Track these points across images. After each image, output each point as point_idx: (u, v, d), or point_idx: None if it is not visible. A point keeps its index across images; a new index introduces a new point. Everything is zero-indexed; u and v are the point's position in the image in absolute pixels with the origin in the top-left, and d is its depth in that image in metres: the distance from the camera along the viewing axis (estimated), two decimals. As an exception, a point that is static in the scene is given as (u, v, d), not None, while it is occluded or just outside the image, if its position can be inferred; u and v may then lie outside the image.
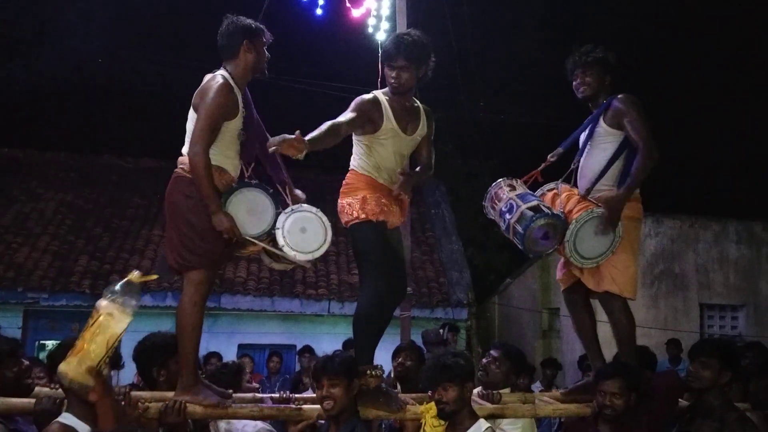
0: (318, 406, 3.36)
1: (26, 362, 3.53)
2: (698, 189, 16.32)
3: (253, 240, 3.49)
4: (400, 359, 4.71)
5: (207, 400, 3.34)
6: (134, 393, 3.34)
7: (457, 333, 9.59)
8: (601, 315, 4.02)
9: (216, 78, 3.43)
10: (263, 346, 10.71)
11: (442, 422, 3.34)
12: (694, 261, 11.18)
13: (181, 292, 3.47)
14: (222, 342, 9.80)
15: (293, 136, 3.13)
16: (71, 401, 2.88)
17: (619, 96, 3.86)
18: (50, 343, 10.12)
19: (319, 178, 11.54)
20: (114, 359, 2.97)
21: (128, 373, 5.29)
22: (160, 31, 17.93)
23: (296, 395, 3.92)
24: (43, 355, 8.66)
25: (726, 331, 11.21)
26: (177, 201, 3.43)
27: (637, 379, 3.54)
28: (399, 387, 4.56)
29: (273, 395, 3.90)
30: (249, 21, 3.58)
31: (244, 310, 10.83)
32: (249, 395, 3.89)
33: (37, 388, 3.49)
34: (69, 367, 2.75)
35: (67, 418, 2.86)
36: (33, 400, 3.21)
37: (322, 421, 3.51)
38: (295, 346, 10.12)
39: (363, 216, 3.60)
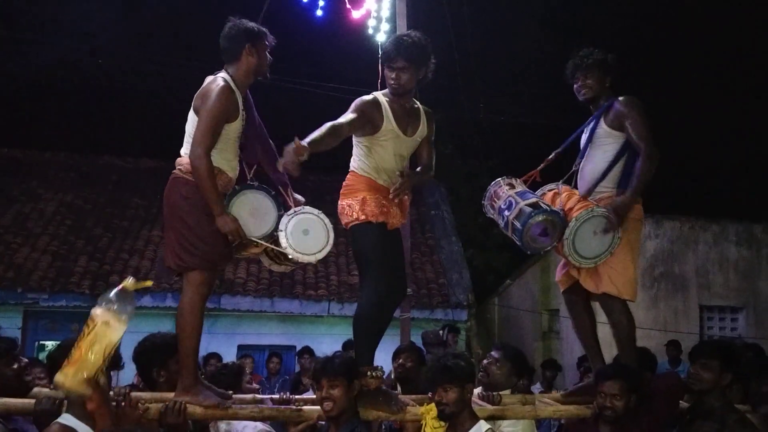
0: (318, 407, 3.36)
1: (25, 360, 3.53)
2: (698, 190, 16.32)
3: (256, 242, 3.49)
4: (400, 360, 4.71)
5: (207, 400, 3.34)
6: (134, 394, 3.33)
7: (457, 334, 9.58)
8: (600, 316, 4.01)
9: (217, 80, 3.43)
10: (263, 346, 10.71)
11: (443, 423, 3.34)
12: (693, 262, 11.19)
13: (181, 293, 3.47)
14: (222, 343, 9.80)
15: (293, 145, 3.14)
16: (71, 402, 2.88)
17: (621, 98, 3.87)
18: (50, 344, 10.12)
19: (319, 179, 11.56)
20: (114, 360, 2.96)
21: (128, 374, 5.29)
22: (160, 31, 17.94)
23: (296, 396, 3.91)
24: (42, 356, 8.66)
25: (726, 332, 11.20)
26: (175, 202, 3.43)
27: (638, 381, 3.54)
28: (399, 388, 4.57)
29: (273, 396, 3.90)
30: (252, 24, 3.57)
31: (244, 310, 10.83)
32: (249, 396, 3.89)
33: (36, 389, 3.48)
34: (66, 377, 2.74)
35: (67, 418, 2.86)
36: (33, 401, 3.21)
37: (323, 422, 3.51)
38: (294, 347, 10.12)
39: (363, 217, 3.60)
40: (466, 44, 12.29)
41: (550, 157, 4.07)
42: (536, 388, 7.59)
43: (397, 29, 8.40)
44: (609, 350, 3.98)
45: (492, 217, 4.01)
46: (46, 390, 3.45)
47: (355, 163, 3.76)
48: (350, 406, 3.31)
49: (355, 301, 5.86)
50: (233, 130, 3.48)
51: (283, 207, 3.61)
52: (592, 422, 3.60)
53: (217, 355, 7.90)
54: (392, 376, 4.94)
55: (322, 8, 9.19)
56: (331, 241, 3.56)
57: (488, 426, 3.31)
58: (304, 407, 3.56)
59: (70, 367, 2.76)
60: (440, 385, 3.26)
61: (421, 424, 3.48)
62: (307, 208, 3.59)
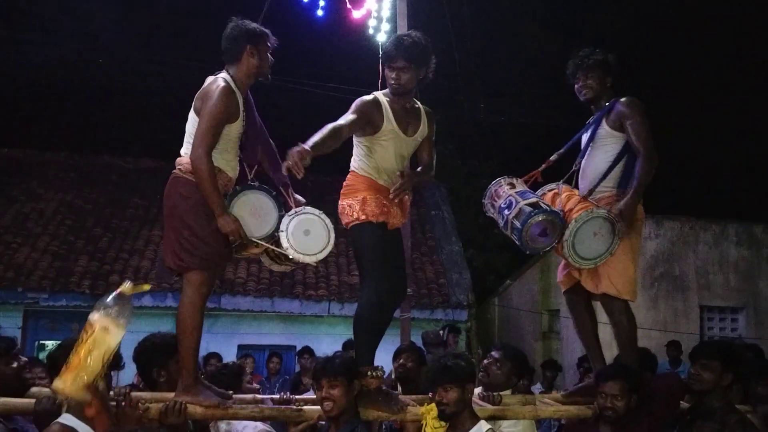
0: (319, 407, 3.36)
1: (24, 359, 3.53)
2: (698, 191, 16.32)
3: (257, 242, 3.49)
4: (401, 360, 4.71)
5: (207, 400, 3.33)
6: (134, 394, 3.33)
7: (458, 334, 9.59)
8: (601, 316, 4.01)
9: (218, 81, 3.43)
10: (263, 346, 10.71)
11: (443, 423, 3.33)
12: (694, 263, 11.18)
13: (181, 293, 3.47)
14: (222, 343, 9.79)
15: (297, 150, 3.14)
16: (71, 402, 2.87)
17: (623, 99, 3.87)
18: (50, 344, 10.13)
19: (320, 179, 11.55)
20: (114, 360, 2.95)
21: (128, 374, 5.28)
22: (161, 31, 17.94)
23: (296, 396, 3.91)
24: (43, 355, 8.66)
25: (726, 333, 11.19)
26: (175, 202, 3.43)
27: (638, 381, 3.54)
28: (400, 388, 4.56)
29: (273, 396, 3.90)
30: (253, 25, 3.57)
31: (244, 310, 10.83)
32: (249, 396, 3.89)
33: (36, 389, 3.48)
34: (65, 384, 2.73)
35: (67, 418, 2.86)
36: (33, 401, 3.21)
37: (323, 422, 3.51)
38: (294, 347, 10.12)
39: (363, 217, 3.60)
40: (466, 44, 12.31)
41: (552, 158, 4.07)
42: (536, 388, 7.60)
43: (397, 29, 8.40)
44: (609, 350, 3.98)
45: (492, 216, 4.01)
46: (46, 390, 3.45)
47: (355, 163, 3.76)
48: (350, 406, 3.31)
49: (356, 301, 5.85)
50: (234, 130, 3.48)
51: (283, 207, 3.60)
52: (592, 422, 3.60)
53: (217, 355, 7.91)
54: (392, 376, 4.94)
55: (322, 8, 9.20)
56: (332, 242, 3.56)
57: (489, 426, 3.30)
58: (305, 407, 3.56)
59: (69, 373, 2.75)
60: (441, 385, 3.26)
61: (422, 424, 3.48)
62: (308, 209, 3.59)
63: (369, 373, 3.47)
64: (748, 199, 15.51)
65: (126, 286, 2.88)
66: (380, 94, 3.74)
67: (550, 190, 4.02)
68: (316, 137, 3.30)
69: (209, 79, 3.51)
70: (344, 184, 3.76)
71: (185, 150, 3.44)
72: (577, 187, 4.00)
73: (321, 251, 3.54)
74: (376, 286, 3.57)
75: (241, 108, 3.50)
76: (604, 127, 3.89)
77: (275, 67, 3.71)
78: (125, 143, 15.99)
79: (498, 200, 3.92)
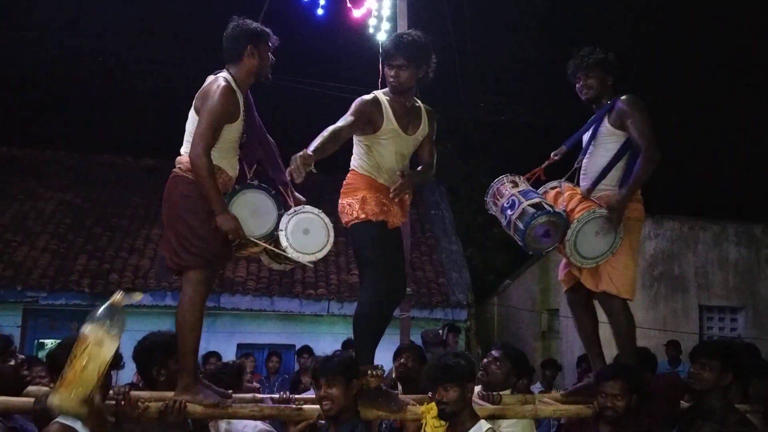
0: (318, 406, 3.36)
1: (21, 356, 3.53)
2: (698, 191, 16.31)
3: (256, 241, 3.49)
4: (401, 360, 4.70)
5: (207, 399, 3.33)
6: (134, 393, 3.33)
7: (458, 334, 9.58)
8: (601, 315, 4.02)
9: (218, 80, 3.43)
10: (262, 345, 10.70)
11: (443, 423, 3.33)
12: (693, 263, 11.18)
13: (181, 292, 3.47)
14: (221, 342, 9.80)
15: (299, 154, 3.15)
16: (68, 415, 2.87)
17: (623, 97, 3.88)
18: (49, 342, 10.12)
19: (320, 178, 11.53)
20: (113, 360, 2.95)
21: (128, 373, 5.28)
22: (160, 31, 17.93)
23: (296, 396, 3.91)
24: (42, 354, 8.65)
25: (725, 333, 11.20)
26: (175, 201, 3.43)
27: (638, 381, 3.54)
28: (400, 388, 4.56)
29: (273, 395, 3.90)
30: (254, 25, 3.57)
31: (244, 309, 10.83)
32: (249, 395, 3.89)
33: (35, 388, 3.48)
34: (61, 399, 2.73)
35: (66, 418, 2.85)
36: (32, 400, 3.20)
37: (322, 422, 3.51)
38: (294, 346, 10.11)
39: (363, 216, 3.60)
40: (466, 44, 12.30)
41: (555, 156, 4.07)
42: (536, 387, 7.59)
43: (397, 29, 8.39)
44: (609, 350, 3.98)
45: (494, 214, 4.02)
46: (45, 389, 3.45)
47: (355, 162, 3.76)
48: (349, 406, 3.30)
49: (355, 300, 5.86)
50: (234, 130, 3.48)
51: (283, 206, 3.61)
52: (592, 422, 3.60)
53: (216, 354, 7.91)
54: (392, 376, 4.94)
55: (322, 7, 9.19)
56: (331, 241, 3.56)
57: (489, 425, 3.30)
58: (304, 406, 3.56)
59: (65, 388, 2.74)
60: (441, 384, 3.25)
61: (422, 424, 3.48)
62: (308, 208, 3.59)
63: (369, 372, 3.47)
64: (747, 199, 15.51)
65: (117, 297, 2.87)
66: (380, 93, 3.74)
67: (552, 188, 4.02)
68: (317, 141, 3.31)
69: (210, 78, 3.51)
70: (344, 182, 3.76)
71: (185, 149, 3.44)
72: (578, 185, 4.01)
73: (320, 250, 3.54)
74: (376, 286, 3.57)
75: (242, 108, 3.50)
76: (606, 126, 3.90)
77: (275, 67, 3.72)
78: (125, 142, 15.98)
79: (501, 199, 3.91)
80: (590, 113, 4.07)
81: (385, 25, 8.75)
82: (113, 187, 13.25)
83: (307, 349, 8.41)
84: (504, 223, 3.89)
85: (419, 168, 3.91)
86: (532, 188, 3.96)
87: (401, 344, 5.61)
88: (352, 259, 10.33)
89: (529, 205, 3.74)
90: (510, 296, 14.06)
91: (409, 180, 3.70)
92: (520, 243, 3.82)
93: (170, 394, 3.35)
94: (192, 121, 3.45)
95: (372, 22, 8.89)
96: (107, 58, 16.33)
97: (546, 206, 3.75)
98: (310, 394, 4.00)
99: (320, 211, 3.59)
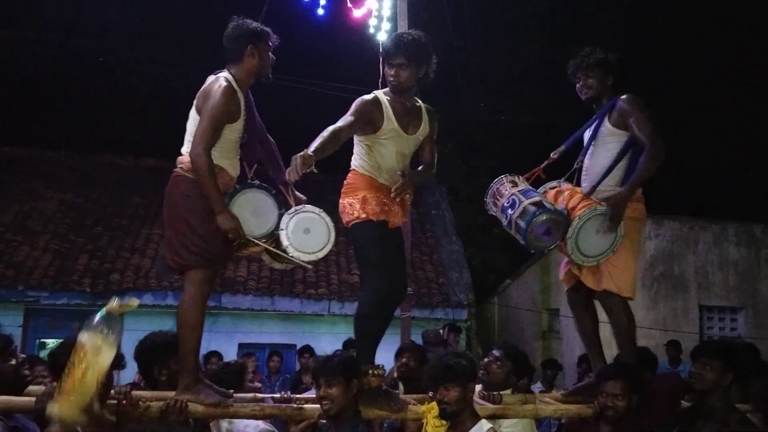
0: (319, 406, 3.36)
1: (22, 356, 3.54)
2: (698, 191, 16.31)
3: (257, 241, 3.49)
4: (403, 359, 4.70)
5: (208, 399, 3.34)
6: (135, 392, 3.34)
7: (458, 333, 9.58)
8: (602, 315, 4.02)
9: (219, 80, 3.44)
10: (263, 345, 10.71)
11: (444, 422, 3.33)
12: (693, 263, 11.19)
13: (182, 292, 3.47)
14: (222, 341, 9.80)
15: (300, 155, 3.16)
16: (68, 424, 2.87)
17: (624, 96, 3.88)
18: (51, 342, 10.13)
19: (320, 178, 11.53)
20: (115, 359, 2.96)
21: (129, 372, 5.29)
22: (160, 31, 17.91)
23: (297, 395, 3.91)
24: (44, 354, 8.66)
25: (725, 332, 11.20)
26: (176, 200, 3.44)
27: (639, 380, 3.54)
28: (401, 387, 4.56)
29: (274, 395, 3.90)
30: (255, 25, 3.57)
31: (245, 309, 10.84)
32: (249, 395, 3.90)
33: (37, 387, 3.49)
34: (60, 408, 2.73)
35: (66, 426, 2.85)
36: (33, 399, 3.21)
37: (324, 421, 3.51)
38: (295, 346, 10.12)
39: (363, 216, 3.60)
40: (466, 44, 12.31)
41: (555, 156, 4.07)
42: (537, 387, 7.59)
43: (398, 28, 8.40)
44: (609, 349, 3.99)
45: (494, 214, 4.02)
46: (46, 388, 3.45)
47: (356, 162, 3.76)
48: (350, 405, 3.31)
49: (356, 300, 5.85)
50: (235, 130, 3.49)
51: (284, 206, 3.61)
52: (592, 422, 3.60)
53: (217, 354, 7.91)
54: (394, 375, 4.94)
55: (323, 7, 9.20)
56: (332, 240, 3.57)
57: (490, 425, 3.30)
58: (306, 406, 3.57)
59: (64, 397, 2.74)
60: (442, 383, 3.26)
61: (423, 423, 3.48)
62: (308, 207, 3.60)
63: (370, 371, 3.47)
64: (747, 199, 15.49)
65: (113, 305, 2.87)
66: (380, 93, 3.74)
67: (552, 188, 4.03)
68: (317, 141, 3.32)
69: (210, 78, 3.51)
70: (345, 182, 3.76)
71: (186, 149, 3.45)
72: (579, 185, 4.01)
73: (321, 250, 3.55)
74: (377, 285, 3.57)
75: (243, 108, 3.51)
76: (607, 125, 3.89)
77: (275, 66, 3.72)
78: (125, 142, 15.97)
79: (501, 199, 3.92)
80: (590, 113, 4.06)
81: (386, 25, 8.77)
82: (114, 187, 13.25)
83: (308, 349, 8.41)
84: (505, 222, 3.90)
85: (420, 168, 3.91)
86: (531, 187, 3.96)
87: (402, 344, 5.62)
88: (353, 259, 10.35)
89: (529, 204, 3.74)
90: (510, 296, 14.06)
91: (409, 180, 3.70)
92: (522, 242, 3.82)
93: (171, 393, 3.36)
94: (193, 120, 3.45)
95: (372, 22, 8.91)
96: (107, 58, 16.34)
97: (547, 204, 3.76)
98: (311, 394, 4.01)
99: (321, 210, 3.59)
